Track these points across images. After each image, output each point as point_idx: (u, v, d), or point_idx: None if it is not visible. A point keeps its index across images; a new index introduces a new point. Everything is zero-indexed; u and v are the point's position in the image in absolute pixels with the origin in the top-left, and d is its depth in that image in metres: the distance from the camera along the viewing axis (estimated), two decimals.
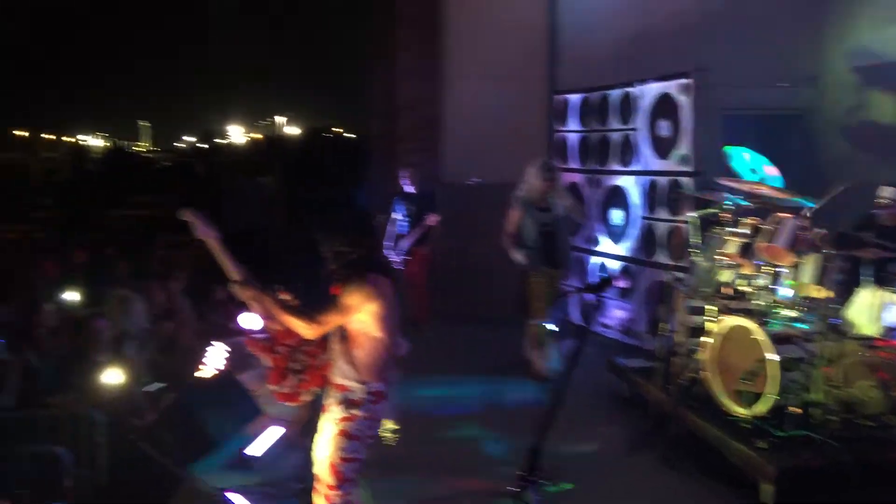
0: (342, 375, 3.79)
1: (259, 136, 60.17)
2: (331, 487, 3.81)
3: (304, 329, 3.74)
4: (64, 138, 67.25)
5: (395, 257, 8.54)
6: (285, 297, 3.90)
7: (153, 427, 5.39)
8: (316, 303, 4.02)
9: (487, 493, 4.68)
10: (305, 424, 6.15)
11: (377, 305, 3.69)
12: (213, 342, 7.44)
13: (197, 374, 6.59)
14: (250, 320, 8.85)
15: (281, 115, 73.99)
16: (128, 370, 6.06)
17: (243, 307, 9.15)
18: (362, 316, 3.69)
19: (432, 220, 8.41)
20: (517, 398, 6.54)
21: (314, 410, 6.22)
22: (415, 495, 5.01)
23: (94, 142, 65.73)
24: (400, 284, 8.64)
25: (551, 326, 6.95)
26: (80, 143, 57.69)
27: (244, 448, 5.42)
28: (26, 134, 66.31)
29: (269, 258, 11.73)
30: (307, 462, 5.50)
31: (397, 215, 8.63)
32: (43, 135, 65.25)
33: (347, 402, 3.77)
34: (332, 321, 3.72)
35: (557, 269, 7.06)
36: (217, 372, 6.85)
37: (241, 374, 6.76)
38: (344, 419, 3.77)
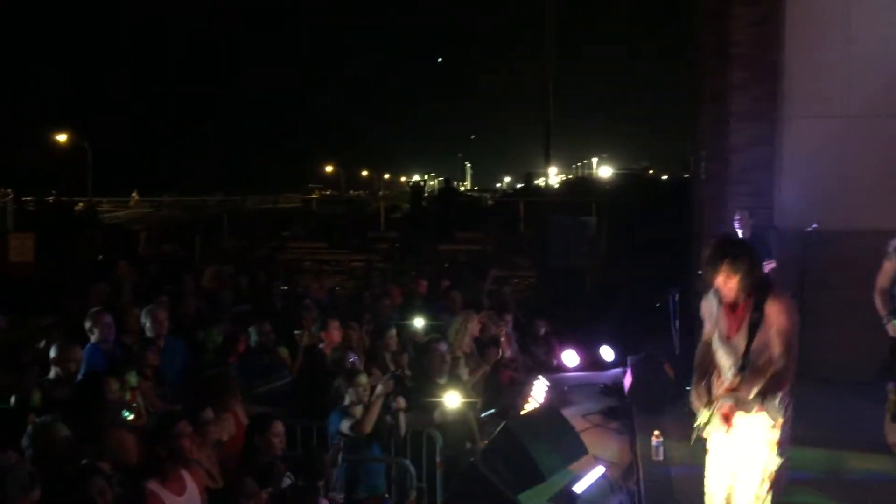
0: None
1: (572, 176, 61.33)
2: (768, 490, 4.12)
3: (789, 373, 4.07)
4: (402, 178, 74.55)
5: None
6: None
7: (485, 452, 5.69)
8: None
9: None
10: (628, 468, 6.15)
11: (794, 312, 4.04)
12: (537, 376, 7.74)
13: (524, 405, 6.88)
14: (570, 357, 9.11)
15: (594, 156, 74.97)
16: (463, 395, 6.50)
17: (565, 344, 9.40)
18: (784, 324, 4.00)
19: (767, 266, 7.97)
20: (861, 470, 5.90)
21: (636, 456, 6.18)
22: None
23: (425, 181, 71.84)
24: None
25: None
26: (418, 182, 63.46)
27: (569, 485, 5.51)
28: (367, 174, 74.41)
29: (588, 295, 11.96)
30: None
31: None
32: (383, 175, 72.89)
33: (775, 410, 4.07)
34: (790, 342, 4.02)
35: None
36: (539, 405, 7.09)
37: (564, 410, 6.94)
38: (777, 426, 4.07)
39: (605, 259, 13.82)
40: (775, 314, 4.01)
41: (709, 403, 4.22)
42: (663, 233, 13.07)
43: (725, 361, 4.18)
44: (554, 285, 12.26)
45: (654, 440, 5.94)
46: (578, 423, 6.78)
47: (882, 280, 6.12)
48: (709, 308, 4.32)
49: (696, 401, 4.30)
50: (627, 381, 7.40)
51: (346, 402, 6.03)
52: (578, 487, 5.44)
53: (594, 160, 75.97)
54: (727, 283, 4.07)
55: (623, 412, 7.17)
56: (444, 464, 6.14)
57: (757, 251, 4.30)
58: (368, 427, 5.77)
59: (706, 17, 10.37)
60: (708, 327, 4.36)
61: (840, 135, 8.65)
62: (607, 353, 9.03)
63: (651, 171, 49.65)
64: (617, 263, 13.26)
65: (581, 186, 37.73)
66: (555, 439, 5.85)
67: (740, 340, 4.10)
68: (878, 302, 6.11)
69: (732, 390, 4.14)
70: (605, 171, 58.47)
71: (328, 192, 51.66)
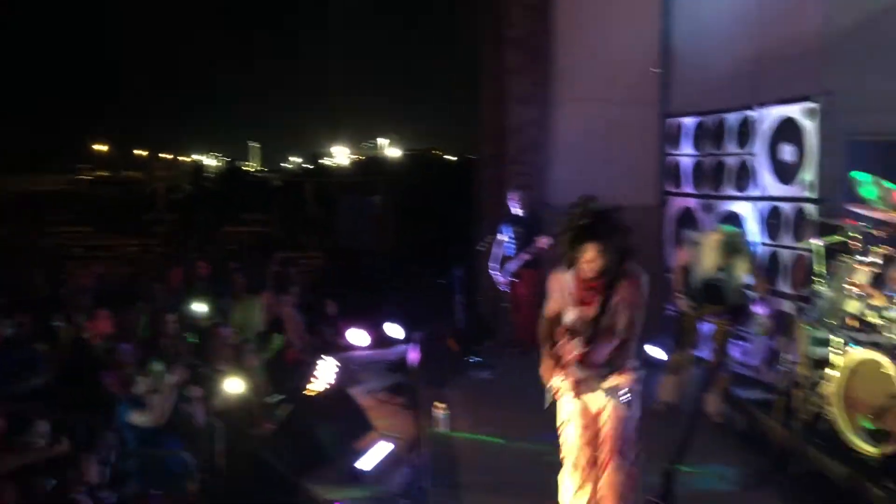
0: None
1: (362, 157, 61.49)
2: (629, 449, 4.19)
3: (631, 343, 4.14)
4: (180, 157, 70.79)
5: (500, 279, 8.56)
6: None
7: (270, 437, 5.56)
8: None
9: None
10: (413, 441, 6.24)
11: (645, 290, 4.09)
12: (323, 356, 7.65)
13: (309, 387, 6.78)
14: (358, 336, 9.10)
15: (383, 137, 75.61)
16: (247, 380, 6.29)
17: (352, 322, 9.36)
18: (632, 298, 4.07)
19: (543, 242, 8.37)
20: None
21: (421, 429, 6.29)
22: None
23: (208, 161, 68.70)
24: (506, 307, 8.70)
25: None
26: (198, 161, 60.39)
27: (354, 462, 5.51)
28: (145, 153, 70.01)
29: (378, 274, 12.04)
30: (415, 478, 5.57)
31: (504, 237, 8.66)
32: (161, 154, 68.87)
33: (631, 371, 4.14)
34: (633, 317, 4.09)
35: (717, 305, 6.57)
36: (328, 386, 7.03)
37: (351, 389, 6.93)
38: (633, 387, 4.14)
39: (393, 238, 13.96)
40: (625, 288, 4.04)
41: (560, 370, 4.24)
42: (448, 211, 13.42)
43: (578, 329, 4.18)
44: (342, 265, 12.21)
45: (437, 412, 6.07)
46: (365, 401, 6.80)
47: (680, 261, 6.76)
48: (560, 283, 4.24)
49: (546, 371, 4.31)
50: (413, 356, 7.51)
51: (139, 391, 5.65)
52: (364, 464, 5.47)
53: (383, 141, 76.62)
54: (591, 262, 4.00)
55: (409, 387, 7.27)
56: (226, 452, 5.92)
57: (622, 227, 4.06)
58: (163, 417, 5.45)
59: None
60: (556, 302, 4.30)
61: (602, 119, 9.24)
62: (395, 330, 9.12)
63: (436, 152, 50.89)
64: (403, 242, 13.43)
65: (371, 167, 37.87)
66: (340, 419, 5.84)
67: (592, 311, 4.11)
68: (677, 278, 6.71)
69: (581, 360, 4.17)
70: (394, 152, 59.11)
71: (100, 173, 48.03)
